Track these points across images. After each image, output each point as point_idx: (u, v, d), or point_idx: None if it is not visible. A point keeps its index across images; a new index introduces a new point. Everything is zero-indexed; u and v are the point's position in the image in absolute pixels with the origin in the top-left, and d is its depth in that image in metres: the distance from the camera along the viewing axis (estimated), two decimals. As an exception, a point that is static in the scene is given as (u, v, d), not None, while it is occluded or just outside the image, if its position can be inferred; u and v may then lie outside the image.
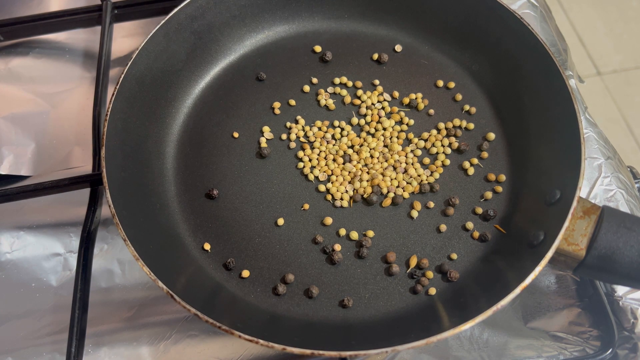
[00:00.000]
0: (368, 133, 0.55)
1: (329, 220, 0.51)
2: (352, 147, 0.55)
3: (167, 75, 0.55)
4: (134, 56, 0.52)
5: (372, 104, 0.57)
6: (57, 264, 0.52)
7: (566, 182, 0.44)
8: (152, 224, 0.48)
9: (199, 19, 0.56)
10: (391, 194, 0.52)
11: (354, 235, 0.50)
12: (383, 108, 0.56)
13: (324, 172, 0.53)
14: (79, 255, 0.49)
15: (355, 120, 0.56)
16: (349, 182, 0.53)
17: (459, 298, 0.46)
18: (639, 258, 0.40)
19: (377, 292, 0.47)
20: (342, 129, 0.56)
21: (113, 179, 0.46)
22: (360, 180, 0.53)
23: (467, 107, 0.56)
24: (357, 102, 0.57)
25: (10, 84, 0.63)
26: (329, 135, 0.55)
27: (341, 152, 0.54)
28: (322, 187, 0.53)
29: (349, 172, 0.53)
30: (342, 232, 0.50)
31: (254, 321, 0.46)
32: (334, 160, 0.54)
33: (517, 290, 0.40)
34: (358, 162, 0.54)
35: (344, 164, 0.54)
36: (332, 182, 0.53)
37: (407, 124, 0.56)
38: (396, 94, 0.57)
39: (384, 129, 0.55)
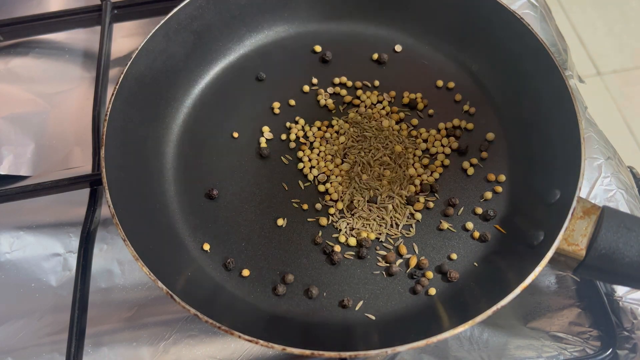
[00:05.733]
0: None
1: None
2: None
3: (166, 75, 0.55)
4: (133, 56, 0.52)
5: (372, 103, 0.57)
6: (56, 264, 0.52)
7: (566, 182, 0.44)
8: (152, 224, 0.48)
9: (198, 19, 0.56)
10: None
11: (354, 235, 0.50)
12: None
13: (324, 172, 0.53)
14: (78, 255, 0.49)
15: (353, 115, 0.56)
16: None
17: (459, 298, 0.46)
18: (639, 258, 0.40)
19: (377, 292, 0.47)
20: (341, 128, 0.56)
21: (113, 179, 0.46)
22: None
23: (467, 107, 0.56)
24: (357, 102, 0.57)
25: (10, 84, 0.63)
26: (328, 135, 0.55)
27: (341, 152, 0.54)
28: (322, 187, 0.53)
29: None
30: (342, 232, 0.50)
31: (254, 321, 0.46)
32: (334, 160, 0.54)
33: (517, 290, 0.40)
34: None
35: (341, 164, 0.54)
36: (331, 182, 0.53)
37: (407, 124, 0.56)
38: (393, 93, 0.57)
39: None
